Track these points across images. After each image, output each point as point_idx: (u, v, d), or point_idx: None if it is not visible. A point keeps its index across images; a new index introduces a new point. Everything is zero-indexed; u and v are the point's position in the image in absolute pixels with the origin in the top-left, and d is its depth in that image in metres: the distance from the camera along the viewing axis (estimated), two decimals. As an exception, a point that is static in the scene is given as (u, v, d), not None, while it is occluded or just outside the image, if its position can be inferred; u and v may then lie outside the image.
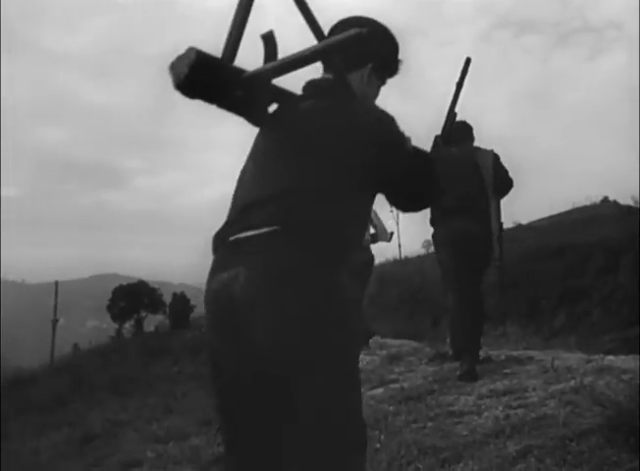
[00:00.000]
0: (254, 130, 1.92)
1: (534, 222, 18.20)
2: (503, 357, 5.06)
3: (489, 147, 5.09)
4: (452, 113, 3.93)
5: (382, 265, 16.59)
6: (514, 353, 5.29)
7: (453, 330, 5.05)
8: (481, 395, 3.94)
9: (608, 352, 5.17)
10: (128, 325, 31.88)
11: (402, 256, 16.26)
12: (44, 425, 7.11)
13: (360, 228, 1.87)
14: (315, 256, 1.68)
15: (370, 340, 7.52)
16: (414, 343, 6.71)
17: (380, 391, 4.72)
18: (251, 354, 1.67)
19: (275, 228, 1.68)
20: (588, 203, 18.11)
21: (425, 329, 10.49)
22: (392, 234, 7.40)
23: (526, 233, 15.11)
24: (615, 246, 9.99)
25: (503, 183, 4.98)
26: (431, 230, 5.09)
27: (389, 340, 7.55)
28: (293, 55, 1.79)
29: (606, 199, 18.67)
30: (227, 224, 1.84)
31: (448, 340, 5.36)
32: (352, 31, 1.60)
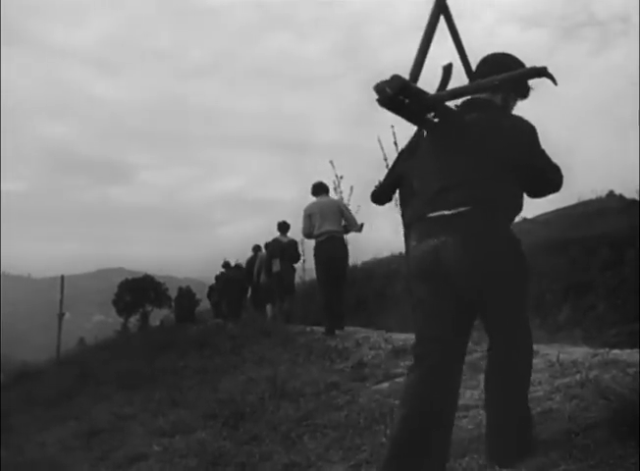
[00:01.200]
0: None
1: (539, 216, 18.15)
2: (508, 351, 5.04)
3: None
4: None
5: (387, 259, 16.57)
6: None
7: None
8: (486, 389, 3.93)
9: (613, 346, 5.15)
10: (133, 319, 32.04)
11: (407, 250, 16.19)
12: (50, 419, 7.14)
13: (519, 201, 2.75)
14: (497, 224, 2.60)
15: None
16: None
17: (385, 385, 4.72)
18: (452, 292, 2.58)
19: (468, 207, 2.54)
20: (593, 197, 18.02)
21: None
22: (362, 225, 8.66)
23: (531, 226, 15.06)
24: (621, 240, 9.96)
25: None
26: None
27: (394, 335, 7.54)
28: (467, 85, 2.76)
29: (611, 193, 18.58)
30: (422, 204, 2.70)
31: None
32: (524, 70, 2.64)
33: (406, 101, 2.52)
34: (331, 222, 8.42)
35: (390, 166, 6.11)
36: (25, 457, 5.53)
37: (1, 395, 9.31)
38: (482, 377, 4.24)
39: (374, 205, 6.11)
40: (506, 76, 2.60)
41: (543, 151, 2.70)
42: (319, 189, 8.87)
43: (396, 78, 2.47)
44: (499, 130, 2.65)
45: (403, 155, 5.85)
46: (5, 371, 14.01)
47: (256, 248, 14.84)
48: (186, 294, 21.00)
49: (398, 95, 2.49)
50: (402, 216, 5.64)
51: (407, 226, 3.00)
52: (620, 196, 17.30)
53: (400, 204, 5.90)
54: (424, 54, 2.70)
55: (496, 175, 2.61)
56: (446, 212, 2.57)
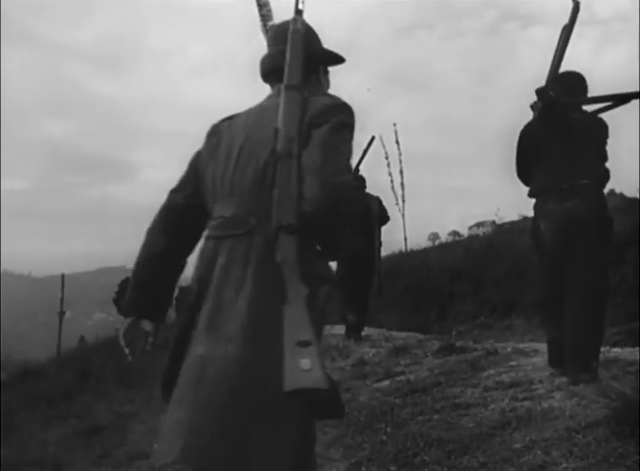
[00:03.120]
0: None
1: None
2: (509, 349, 5.06)
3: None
4: (357, 169, 7.19)
5: (388, 257, 16.54)
6: (520, 346, 5.30)
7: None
8: (487, 388, 3.94)
9: (614, 344, 5.16)
10: (134, 318, 32.09)
11: (408, 249, 16.20)
12: (51, 417, 7.14)
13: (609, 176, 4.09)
14: (602, 193, 4.01)
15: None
16: (420, 336, 6.71)
17: (386, 383, 4.73)
18: (574, 234, 3.83)
19: (588, 181, 3.86)
20: (594, 195, 17.98)
21: (431, 321, 10.47)
22: None
23: (532, 225, 15.05)
24: (621, 238, 9.93)
25: (383, 218, 7.69)
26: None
27: (394, 333, 7.56)
28: (586, 97, 4.02)
29: (612, 191, 18.53)
30: (556, 178, 3.90)
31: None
32: (634, 93, 3.80)
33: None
34: None
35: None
36: (26, 456, 5.53)
37: (2, 394, 9.31)
38: (483, 375, 4.27)
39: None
40: (616, 95, 3.87)
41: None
42: None
43: (538, 105, 3.82)
44: (595, 125, 3.98)
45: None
46: (6, 369, 13.99)
47: None
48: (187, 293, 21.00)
49: (549, 109, 3.79)
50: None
51: (538, 193, 4.05)
52: (621, 195, 17.25)
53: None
54: (561, 56, 3.69)
55: (598, 157, 3.99)
56: (574, 184, 3.85)
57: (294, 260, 1.77)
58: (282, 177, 1.82)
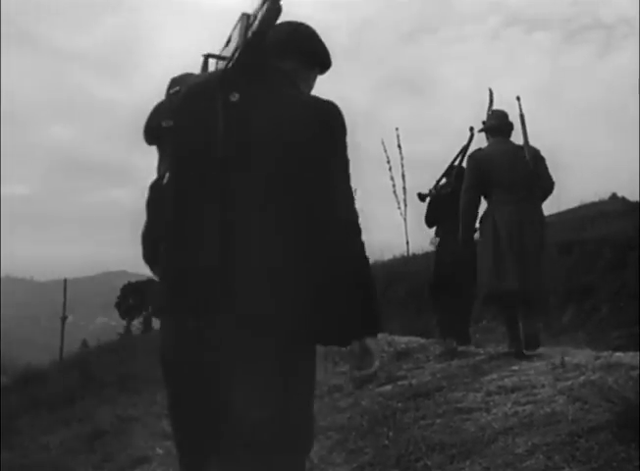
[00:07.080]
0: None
1: (542, 218, 18.00)
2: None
3: None
4: None
5: (389, 261, 16.54)
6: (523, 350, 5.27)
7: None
8: (489, 392, 3.93)
9: (616, 349, 5.15)
10: (136, 322, 31.99)
11: (410, 253, 16.15)
12: (54, 421, 7.15)
13: None
14: None
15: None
16: (422, 340, 6.70)
17: (388, 387, 4.72)
18: None
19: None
20: (596, 199, 17.92)
21: (433, 326, 10.47)
22: None
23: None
24: (624, 243, 9.92)
25: None
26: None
27: (397, 337, 7.55)
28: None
29: (614, 196, 18.51)
30: None
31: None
32: None
33: None
34: None
35: None
36: (28, 459, 5.54)
37: (4, 398, 9.32)
38: (485, 380, 4.27)
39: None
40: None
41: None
42: None
43: None
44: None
45: None
46: (8, 373, 14.02)
47: None
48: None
49: None
50: None
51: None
52: (623, 199, 17.24)
53: None
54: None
55: None
56: None
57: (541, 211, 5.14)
58: (534, 177, 4.94)
